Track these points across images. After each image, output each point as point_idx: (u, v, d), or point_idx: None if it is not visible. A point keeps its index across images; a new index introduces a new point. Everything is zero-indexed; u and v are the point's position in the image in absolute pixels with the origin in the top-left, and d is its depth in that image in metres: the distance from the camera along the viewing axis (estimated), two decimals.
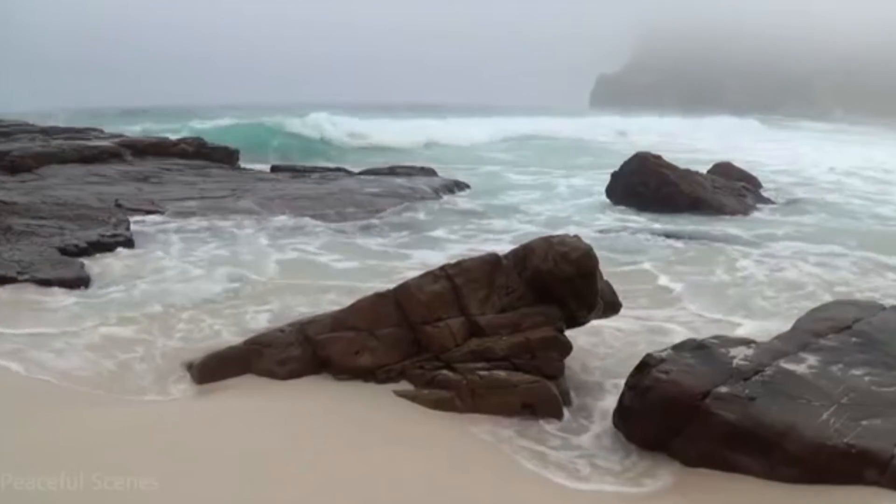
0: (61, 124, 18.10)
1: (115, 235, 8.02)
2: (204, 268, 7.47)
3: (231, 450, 3.73)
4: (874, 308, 5.09)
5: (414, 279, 4.87)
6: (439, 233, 9.95)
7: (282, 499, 3.32)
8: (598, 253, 4.92)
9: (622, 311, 5.35)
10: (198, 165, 14.83)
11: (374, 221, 10.41)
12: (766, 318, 6.10)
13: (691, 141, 28.93)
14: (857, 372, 4.13)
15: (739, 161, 15.82)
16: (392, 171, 15.43)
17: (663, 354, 4.17)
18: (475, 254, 5.32)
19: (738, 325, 5.98)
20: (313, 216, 10.35)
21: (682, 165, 12.98)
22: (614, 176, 13.10)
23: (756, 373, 4.01)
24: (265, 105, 47.60)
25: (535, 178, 16.51)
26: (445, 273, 4.79)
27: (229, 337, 5.24)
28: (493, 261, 4.87)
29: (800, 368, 4.11)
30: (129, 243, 7.93)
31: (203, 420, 4.14)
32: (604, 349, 5.34)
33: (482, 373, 4.46)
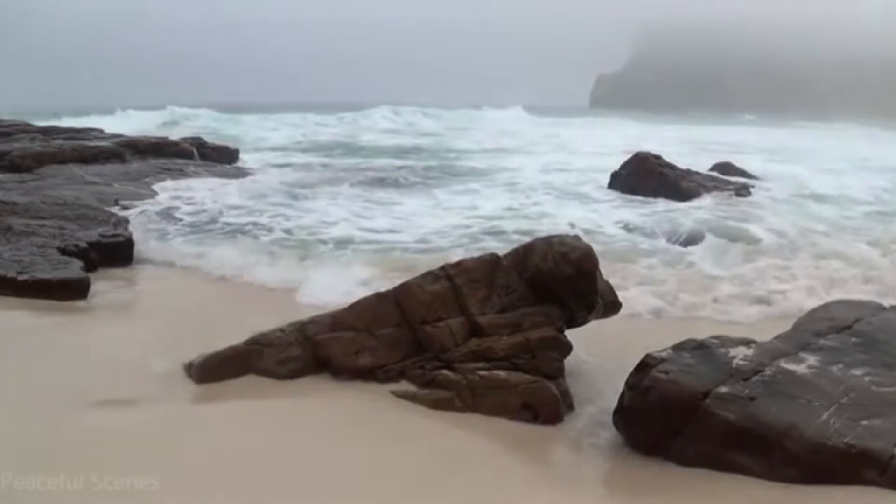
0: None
1: (115, 235, 8.01)
2: (202, 264, 7.54)
3: (231, 450, 3.73)
4: (874, 308, 5.08)
5: (414, 279, 4.86)
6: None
7: (281, 499, 3.32)
8: None
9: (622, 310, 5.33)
10: (197, 165, 14.89)
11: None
12: None
13: None
14: (857, 372, 4.13)
15: None
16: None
17: (663, 354, 4.17)
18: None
19: None
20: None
21: None
22: (614, 176, 13.11)
23: (756, 373, 4.01)
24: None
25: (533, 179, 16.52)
26: (445, 273, 4.79)
27: (230, 336, 5.23)
28: (493, 261, 4.87)
29: (800, 368, 4.11)
30: (128, 243, 7.91)
31: (203, 420, 4.14)
32: (604, 349, 5.33)
33: (482, 373, 4.46)
